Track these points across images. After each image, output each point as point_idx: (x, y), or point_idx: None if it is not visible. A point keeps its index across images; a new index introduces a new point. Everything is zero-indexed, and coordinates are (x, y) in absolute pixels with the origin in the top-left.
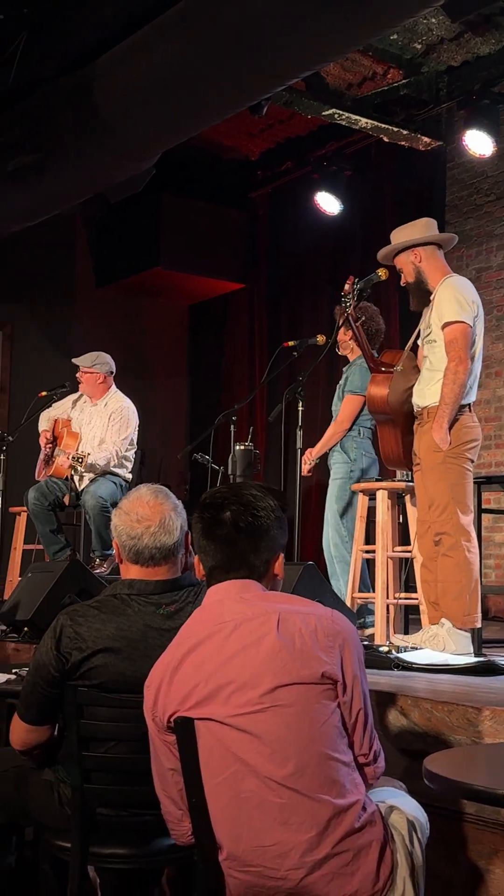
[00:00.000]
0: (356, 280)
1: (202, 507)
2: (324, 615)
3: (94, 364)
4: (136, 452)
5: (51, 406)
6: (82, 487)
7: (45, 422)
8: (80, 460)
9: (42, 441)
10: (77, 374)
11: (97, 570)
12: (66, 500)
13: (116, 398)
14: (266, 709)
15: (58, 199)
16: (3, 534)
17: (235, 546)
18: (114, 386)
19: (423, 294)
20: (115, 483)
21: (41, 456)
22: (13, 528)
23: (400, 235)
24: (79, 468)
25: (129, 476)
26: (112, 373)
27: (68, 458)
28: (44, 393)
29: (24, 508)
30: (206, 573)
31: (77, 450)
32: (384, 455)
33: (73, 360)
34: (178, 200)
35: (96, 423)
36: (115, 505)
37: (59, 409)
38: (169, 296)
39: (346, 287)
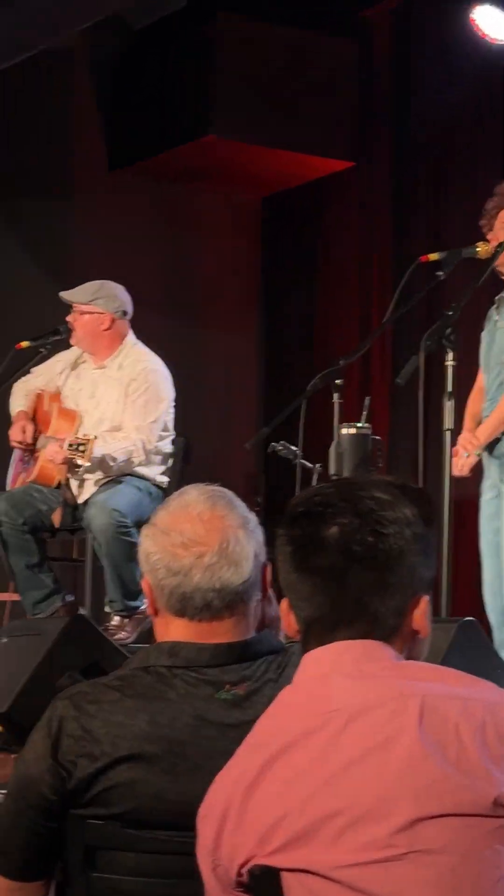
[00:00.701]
0: None
1: (291, 521)
2: (498, 703)
3: (95, 299)
4: (173, 442)
5: (30, 371)
6: (85, 497)
7: (20, 398)
8: (80, 449)
9: (16, 431)
10: (69, 319)
11: (116, 636)
12: (57, 517)
13: (137, 357)
14: (402, 855)
15: (46, 21)
16: None
17: (347, 584)
18: (131, 337)
19: None
20: (140, 490)
21: (15, 455)
22: None
23: None
24: (80, 463)
25: (165, 480)
26: (127, 315)
27: (62, 448)
28: (25, 344)
29: None
30: (300, 630)
31: (76, 434)
32: None
33: (62, 295)
34: (243, 24)
35: (105, 397)
36: (141, 525)
37: (42, 377)
38: (228, 183)
39: None
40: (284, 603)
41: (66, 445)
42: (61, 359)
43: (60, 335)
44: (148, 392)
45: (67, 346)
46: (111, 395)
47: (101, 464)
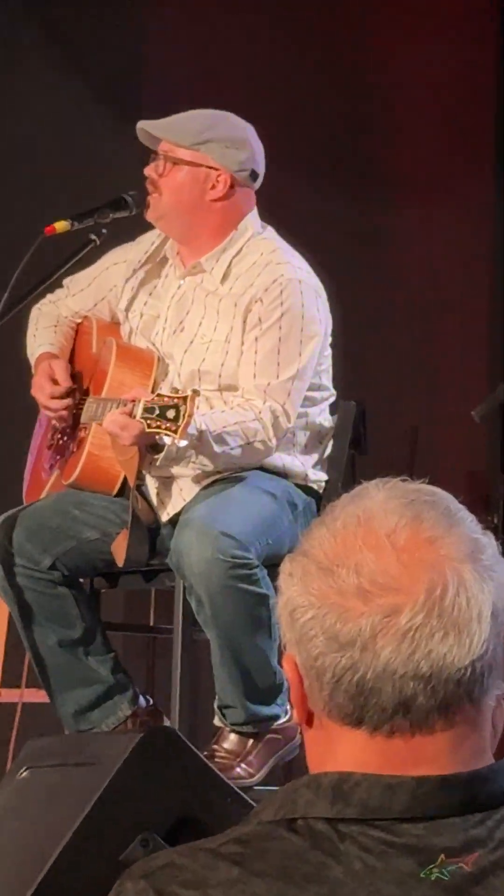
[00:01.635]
0: None
1: None
2: None
3: (204, 142)
4: (333, 406)
5: (61, 285)
6: (174, 512)
7: (45, 332)
8: (169, 416)
9: (41, 388)
10: (148, 173)
11: (232, 771)
12: (120, 549)
13: (264, 255)
14: None
15: None
16: None
17: None
18: (256, 220)
19: None
20: (274, 498)
21: (35, 440)
22: None
23: None
24: (166, 443)
25: (320, 479)
26: (256, 179)
27: (132, 415)
28: (61, 225)
29: None
30: None
31: (156, 389)
32: None
33: (143, 125)
34: None
35: (205, 329)
36: (276, 561)
37: (83, 296)
38: None
39: None
40: None
41: (138, 410)
42: (120, 260)
43: (127, 208)
44: (285, 323)
45: (132, 233)
46: (217, 325)
47: (202, 447)
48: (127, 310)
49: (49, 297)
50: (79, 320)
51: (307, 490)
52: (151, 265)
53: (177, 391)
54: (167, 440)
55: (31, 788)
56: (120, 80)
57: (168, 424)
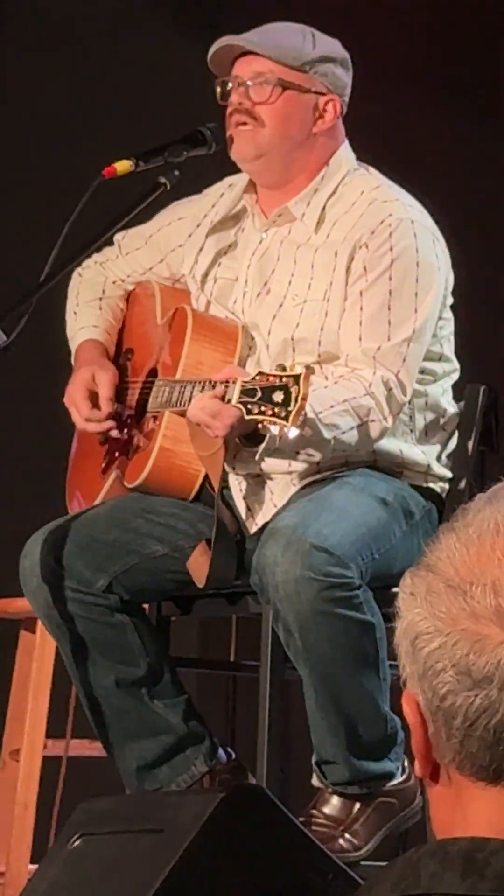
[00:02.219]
0: None
1: None
2: None
3: (313, 62)
4: (458, 390)
5: (112, 242)
6: (266, 519)
7: (89, 308)
8: (276, 399)
9: (78, 392)
10: (240, 100)
11: (334, 842)
12: (200, 566)
13: (367, 192)
14: None
15: None
16: None
17: None
18: (347, 152)
19: None
20: (383, 503)
21: (77, 444)
22: (1, 690)
23: None
24: (273, 433)
25: (443, 476)
26: (345, 100)
27: (225, 398)
28: (123, 165)
29: (26, 606)
30: None
31: (251, 365)
32: None
33: (232, 41)
34: None
35: (298, 286)
36: (386, 580)
37: (139, 256)
38: None
39: None
40: None
41: (234, 393)
42: (184, 215)
43: (205, 144)
44: (396, 272)
45: (196, 181)
46: (312, 282)
47: (308, 434)
48: (196, 274)
49: (95, 256)
50: (131, 286)
51: (427, 493)
52: (223, 219)
53: (283, 368)
54: (274, 430)
55: (85, 860)
56: None
57: (276, 410)
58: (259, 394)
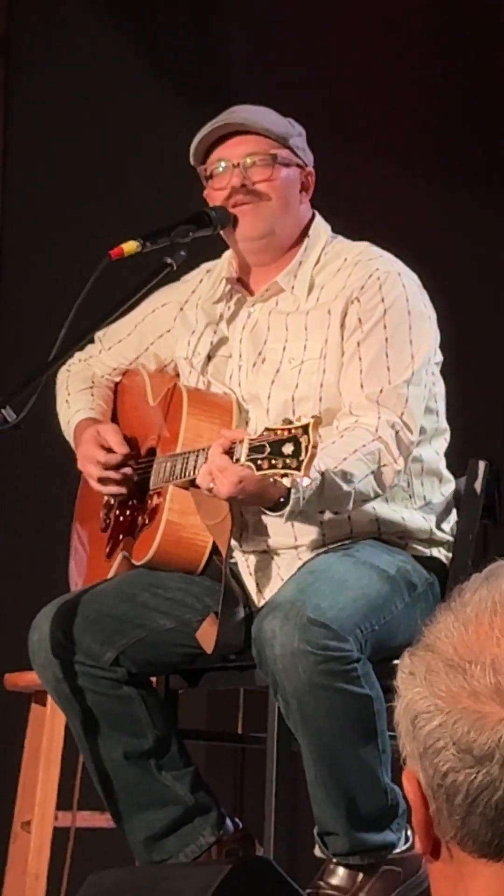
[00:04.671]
0: None
1: None
2: None
3: (296, 136)
4: (458, 459)
5: (93, 340)
6: (274, 591)
7: (80, 395)
8: (285, 452)
9: (95, 459)
10: (242, 182)
11: None
12: (208, 635)
13: (352, 256)
14: None
15: None
16: None
17: None
18: (321, 222)
19: None
20: (385, 575)
21: (83, 516)
22: (12, 762)
23: None
24: (285, 485)
25: (449, 539)
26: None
27: (237, 456)
28: (130, 246)
29: (36, 679)
30: None
31: (251, 427)
32: None
33: (233, 119)
34: None
35: (293, 351)
36: (387, 654)
37: (122, 347)
38: None
39: None
40: None
41: (242, 451)
42: (168, 301)
43: (210, 225)
44: (390, 321)
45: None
46: (307, 343)
47: (326, 491)
48: (192, 355)
49: (78, 354)
50: (117, 378)
51: (430, 564)
52: (208, 301)
53: (290, 421)
54: (286, 482)
55: None
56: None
57: (287, 461)
58: (268, 448)
